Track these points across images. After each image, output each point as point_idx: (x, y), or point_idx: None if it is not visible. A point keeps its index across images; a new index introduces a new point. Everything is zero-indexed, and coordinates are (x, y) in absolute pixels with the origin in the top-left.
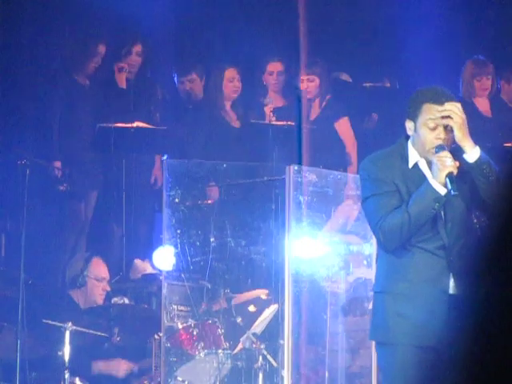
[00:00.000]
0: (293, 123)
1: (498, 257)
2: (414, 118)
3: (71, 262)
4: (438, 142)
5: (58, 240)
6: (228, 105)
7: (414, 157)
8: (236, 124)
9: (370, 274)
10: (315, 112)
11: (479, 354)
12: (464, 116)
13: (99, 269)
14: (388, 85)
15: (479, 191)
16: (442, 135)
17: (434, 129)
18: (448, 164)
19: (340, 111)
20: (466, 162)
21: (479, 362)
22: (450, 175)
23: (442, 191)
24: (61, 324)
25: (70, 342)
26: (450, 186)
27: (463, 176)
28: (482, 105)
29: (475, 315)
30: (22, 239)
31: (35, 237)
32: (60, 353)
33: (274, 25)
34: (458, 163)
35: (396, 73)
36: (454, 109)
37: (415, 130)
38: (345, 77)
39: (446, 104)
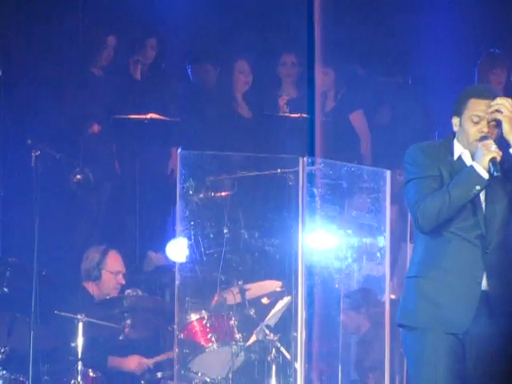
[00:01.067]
0: (306, 115)
1: None
2: (459, 114)
3: (86, 254)
4: (482, 135)
5: (72, 231)
6: (240, 96)
7: (458, 150)
8: (248, 115)
9: (380, 270)
10: (330, 104)
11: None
12: None
13: (115, 262)
14: (400, 80)
15: None
16: (486, 129)
17: (477, 123)
18: (492, 149)
19: (355, 104)
20: None
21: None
22: (493, 160)
23: (485, 175)
24: (74, 315)
25: (83, 334)
26: (492, 169)
27: (508, 172)
28: None
29: (505, 316)
30: (35, 230)
31: (48, 228)
32: (73, 344)
33: (289, 16)
34: (501, 153)
35: (409, 68)
36: (505, 103)
37: (460, 125)
38: (360, 70)
39: (498, 98)
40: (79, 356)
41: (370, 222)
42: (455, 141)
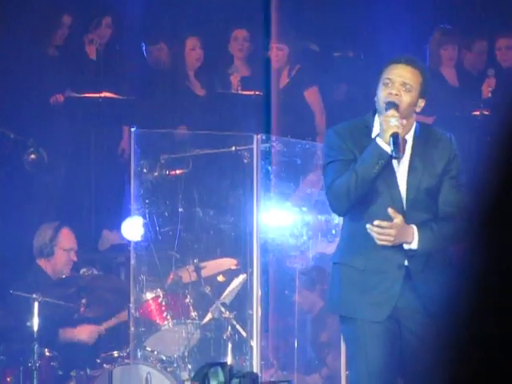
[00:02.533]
0: (260, 92)
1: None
2: (378, 83)
3: (39, 231)
4: (389, 99)
5: (26, 211)
6: (192, 74)
7: (377, 127)
8: (201, 92)
9: (331, 248)
10: (284, 81)
11: (440, 325)
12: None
13: (68, 239)
14: (351, 54)
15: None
16: (394, 91)
17: (388, 85)
18: (392, 124)
19: (309, 80)
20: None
21: (439, 334)
22: (394, 135)
23: (387, 149)
24: (29, 295)
25: (39, 313)
26: (392, 147)
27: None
28: (449, 74)
29: (429, 296)
30: None
31: (3, 208)
32: (28, 324)
33: None
34: (404, 122)
35: (362, 43)
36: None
37: (376, 94)
38: (313, 46)
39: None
40: (35, 336)
41: (324, 199)
42: (376, 115)
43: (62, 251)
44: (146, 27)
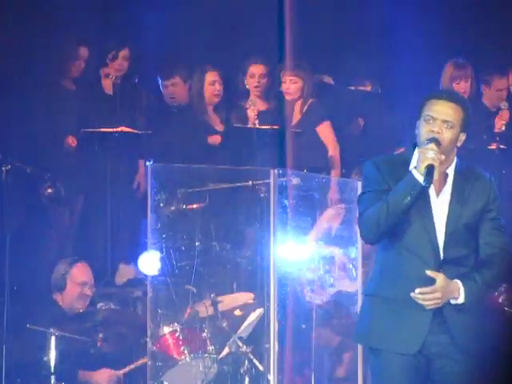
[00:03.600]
0: (277, 127)
1: None
2: (419, 117)
3: (57, 267)
4: (431, 135)
5: (43, 245)
6: (211, 109)
7: (415, 160)
8: (220, 128)
9: (352, 281)
10: (297, 115)
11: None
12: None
13: (81, 273)
14: (369, 88)
15: None
16: (436, 128)
17: (429, 122)
18: (429, 156)
19: (322, 115)
20: None
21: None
22: (429, 167)
23: (421, 180)
24: (46, 329)
25: (56, 348)
26: (424, 177)
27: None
28: None
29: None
30: (6, 244)
31: (20, 242)
32: (45, 358)
33: (257, 27)
34: (443, 157)
35: (378, 77)
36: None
37: (417, 127)
38: (327, 79)
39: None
40: (51, 370)
41: (341, 233)
42: (416, 149)
43: (73, 284)
44: (161, 61)
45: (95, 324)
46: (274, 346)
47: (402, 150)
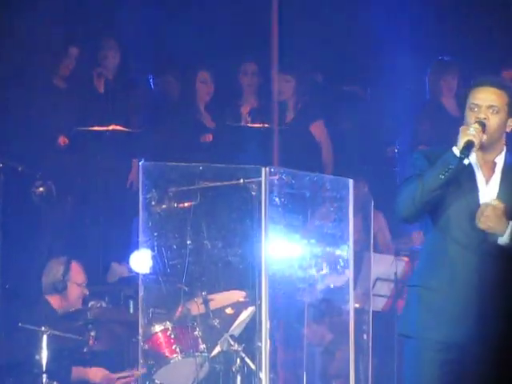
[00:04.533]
0: (268, 125)
1: None
2: (464, 107)
3: (48, 267)
4: (477, 120)
5: (35, 244)
6: (202, 107)
7: None
8: (211, 125)
9: (344, 280)
10: (290, 114)
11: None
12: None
13: (79, 273)
14: (358, 90)
15: None
16: (482, 114)
17: (475, 110)
18: (470, 132)
19: (315, 114)
20: None
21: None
22: (469, 143)
23: (458, 155)
24: (38, 328)
25: (48, 347)
26: (461, 150)
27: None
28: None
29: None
30: None
31: (11, 241)
32: (37, 357)
33: (249, 26)
34: (485, 137)
35: (368, 78)
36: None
37: (464, 118)
38: (319, 78)
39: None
40: (44, 369)
41: (333, 232)
42: None
43: (75, 286)
44: (153, 59)
45: (87, 322)
46: (265, 344)
47: (394, 149)
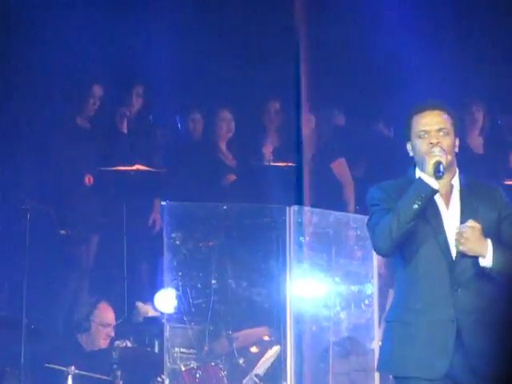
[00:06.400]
0: (292, 164)
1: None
2: (409, 137)
3: (78, 306)
4: (432, 146)
5: (60, 284)
6: (224, 145)
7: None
8: (232, 164)
9: (369, 317)
10: (310, 153)
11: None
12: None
13: (106, 314)
14: (383, 129)
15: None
16: (434, 140)
17: (424, 137)
18: (435, 153)
19: (336, 152)
20: None
21: None
22: (437, 163)
23: (430, 181)
24: (63, 368)
25: None
26: (436, 173)
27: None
28: (474, 142)
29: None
30: (23, 284)
31: (37, 281)
32: None
33: (273, 63)
34: (449, 157)
35: (391, 119)
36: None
37: (412, 147)
38: (341, 118)
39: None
40: None
41: (357, 270)
42: (416, 170)
43: (99, 327)
44: (179, 97)
45: (112, 362)
46: (291, 383)
47: None
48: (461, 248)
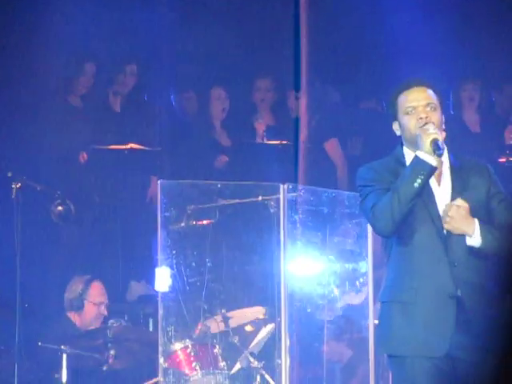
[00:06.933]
0: (286, 142)
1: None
2: (395, 116)
3: (70, 284)
4: (422, 122)
5: (54, 262)
6: (218, 124)
7: (409, 155)
8: (227, 143)
9: (363, 296)
10: (303, 131)
11: (495, 358)
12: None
13: (98, 293)
14: (376, 106)
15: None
16: (423, 114)
17: (412, 113)
18: (430, 131)
19: (329, 132)
20: None
21: (496, 366)
22: (434, 141)
23: (429, 159)
24: (58, 347)
25: (67, 365)
26: (435, 149)
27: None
28: (470, 120)
29: (484, 330)
30: (16, 262)
31: (30, 260)
32: (57, 376)
33: (266, 42)
34: (444, 133)
35: (384, 92)
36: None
37: (400, 126)
38: (334, 96)
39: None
40: None
41: (352, 248)
42: (404, 148)
43: (91, 305)
44: (173, 75)
45: (106, 341)
46: (285, 361)
47: None
48: (446, 226)
